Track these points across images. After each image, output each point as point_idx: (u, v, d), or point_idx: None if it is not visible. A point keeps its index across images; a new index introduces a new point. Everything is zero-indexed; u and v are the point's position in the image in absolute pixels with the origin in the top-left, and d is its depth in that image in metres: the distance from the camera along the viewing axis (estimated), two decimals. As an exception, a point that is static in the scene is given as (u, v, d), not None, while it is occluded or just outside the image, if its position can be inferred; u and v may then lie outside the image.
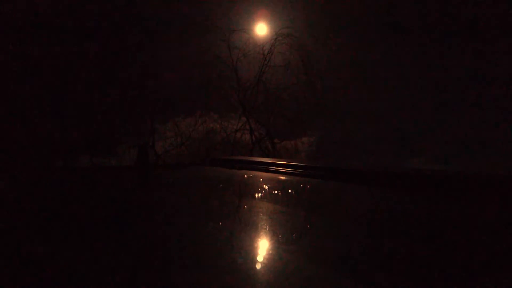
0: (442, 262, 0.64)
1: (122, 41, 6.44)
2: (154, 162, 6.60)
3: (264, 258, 0.65)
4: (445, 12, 6.56)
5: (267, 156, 7.51)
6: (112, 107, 6.32)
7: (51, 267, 0.60)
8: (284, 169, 2.00)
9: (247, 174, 2.01)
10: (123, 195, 1.42)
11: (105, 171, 2.80)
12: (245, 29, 7.58)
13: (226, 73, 7.66)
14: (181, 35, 7.18)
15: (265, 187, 1.56)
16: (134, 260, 0.64)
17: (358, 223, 0.97)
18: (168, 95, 6.95)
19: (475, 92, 6.50)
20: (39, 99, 5.45)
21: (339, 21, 7.44)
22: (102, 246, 0.72)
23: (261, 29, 7.73)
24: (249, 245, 0.76)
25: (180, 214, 1.06)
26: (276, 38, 7.58)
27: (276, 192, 1.44)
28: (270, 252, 0.69)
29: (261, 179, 1.79)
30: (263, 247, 0.72)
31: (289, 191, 1.50)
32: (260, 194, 1.36)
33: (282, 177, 1.89)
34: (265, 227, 0.87)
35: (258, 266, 0.60)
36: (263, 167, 2.17)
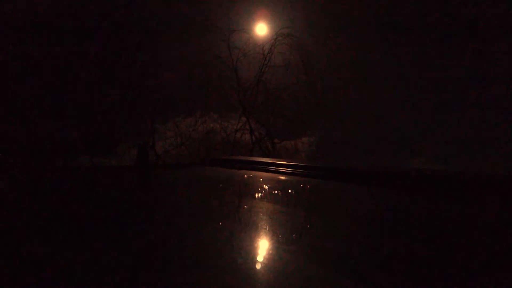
0: (442, 262, 0.64)
1: (122, 41, 6.44)
2: (154, 162, 6.59)
3: (264, 258, 0.65)
4: (445, 12, 6.56)
5: (267, 156, 7.51)
6: (112, 107, 6.32)
7: (51, 267, 0.60)
8: (284, 169, 2.00)
9: (247, 174, 2.01)
10: (123, 195, 1.42)
11: (105, 171, 2.80)
12: (245, 29, 7.57)
13: (226, 73, 7.66)
14: (181, 35, 7.18)
15: (265, 187, 1.56)
16: (134, 260, 0.64)
17: (358, 223, 0.97)
18: (168, 95, 6.95)
19: (475, 92, 6.50)
20: (39, 99, 5.45)
21: (339, 21, 7.44)
22: (102, 246, 0.72)
23: (261, 29, 7.73)
24: (249, 245, 0.76)
25: (180, 214, 1.06)
26: (276, 38, 7.58)
27: (276, 192, 1.44)
28: (270, 252, 0.69)
29: (261, 179, 1.79)
30: (263, 247, 0.72)
31: (289, 191, 1.50)
32: (260, 194, 1.36)
33: (282, 177, 1.89)
34: (265, 227, 0.87)
35: (258, 266, 0.60)
36: (263, 167, 2.17)
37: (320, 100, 7.56)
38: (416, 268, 0.62)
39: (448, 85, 6.86)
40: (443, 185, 1.31)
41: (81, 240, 0.76)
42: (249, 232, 0.85)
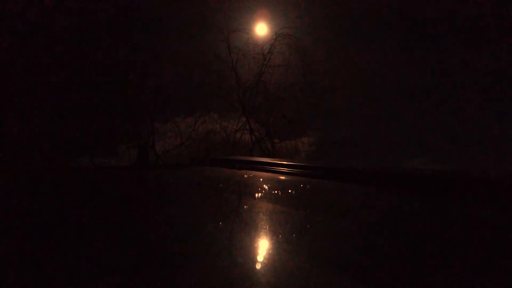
0: (442, 262, 0.64)
1: (122, 41, 6.44)
2: (154, 162, 6.59)
3: (264, 258, 0.65)
4: (445, 12, 6.56)
5: (267, 156, 7.51)
6: (112, 107, 6.32)
7: (51, 267, 0.60)
8: (284, 169, 2.00)
9: (247, 174, 2.01)
10: (123, 195, 1.42)
11: (105, 171, 2.80)
12: (245, 29, 7.59)
13: (226, 73, 7.67)
14: (181, 35, 7.19)
15: (265, 187, 1.56)
16: (134, 260, 0.64)
17: (358, 223, 0.97)
18: (168, 95, 6.96)
19: (475, 92, 6.50)
20: (39, 99, 5.45)
21: (339, 21, 7.44)
22: (102, 246, 0.72)
23: (261, 29, 7.74)
24: (249, 245, 0.76)
25: (180, 214, 1.06)
26: (276, 38, 7.59)
27: (276, 192, 1.44)
28: (270, 252, 0.69)
29: (261, 179, 1.79)
30: (263, 247, 0.72)
31: (289, 191, 1.50)
32: (260, 194, 1.36)
33: (282, 177, 1.89)
34: (265, 227, 0.87)
35: (258, 266, 0.60)
36: (263, 167, 2.17)
37: (320, 100, 7.57)
38: (416, 268, 0.62)
39: (448, 85, 6.86)
40: (443, 185, 1.31)
41: (81, 240, 0.76)
42: (249, 231, 0.85)
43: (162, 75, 6.84)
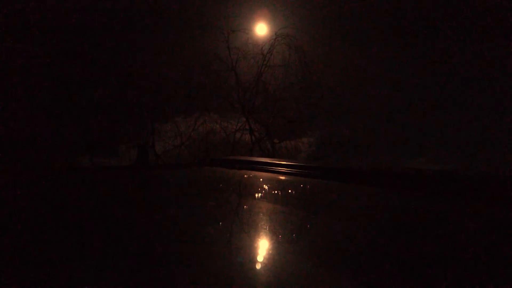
0: (442, 262, 0.64)
1: (122, 41, 6.44)
2: (154, 162, 6.59)
3: (264, 258, 0.65)
4: (445, 12, 6.56)
5: (267, 156, 7.51)
6: (112, 107, 6.33)
7: (51, 267, 0.60)
8: (284, 169, 2.00)
9: (247, 174, 2.01)
10: (123, 195, 1.42)
11: (105, 171, 2.79)
12: (245, 29, 7.59)
13: (226, 73, 7.67)
14: (181, 35, 7.19)
15: (265, 187, 1.56)
16: (134, 260, 0.64)
17: (358, 223, 0.97)
18: (168, 95, 6.96)
19: (475, 92, 6.50)
20: (39, 99, 5.45)
21: (339, 21, 7.44)
22: (101, 246, 0.72)
23: (261, 29, 7.74)
24: (249, 245, 0.76)
25: (180, 214, 1.06)
26: (276, 38, 7.59)
27: (276, 192, 1.44)
28: (270, 252, 0.69)
29: (261, 179, 1.79)
30: (263, 247, 0.72)
31: (289, 191, 1.50)
32: (260, 194, 1.36)
33: (282, 177, 1.89)
34: (265, 227, 0.87)
35: (258, 266, 0.60)
36: (263, 167, 2.17)
37: (320, 100, 7.57)
38: (416, 268, 0.62)
39: (448, 85, 6.87)
40: (443, 185, 1.31)
41: (81, 240, 0.76)
42: (249, 232, 0.85)
43: (162, 75, 6.85)
